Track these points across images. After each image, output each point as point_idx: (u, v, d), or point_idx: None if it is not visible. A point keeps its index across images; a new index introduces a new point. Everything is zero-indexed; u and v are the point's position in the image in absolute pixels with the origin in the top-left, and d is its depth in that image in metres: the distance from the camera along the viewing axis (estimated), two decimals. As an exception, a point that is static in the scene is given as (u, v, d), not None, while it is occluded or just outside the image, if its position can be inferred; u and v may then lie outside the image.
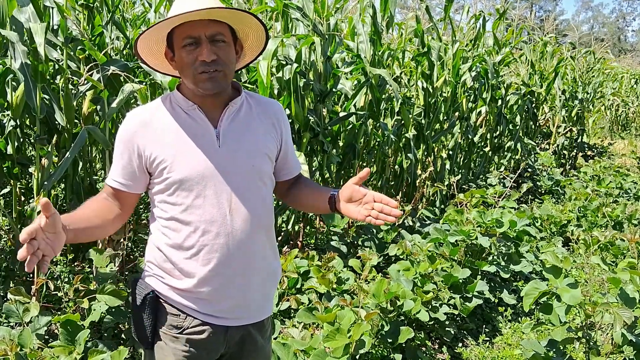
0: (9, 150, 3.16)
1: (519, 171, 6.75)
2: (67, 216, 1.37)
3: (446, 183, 6.02)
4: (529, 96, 7.88)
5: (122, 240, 3.09)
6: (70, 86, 3.14)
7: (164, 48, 1.52)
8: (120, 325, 2.82)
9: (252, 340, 1.61)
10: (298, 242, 4.29)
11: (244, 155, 1.51)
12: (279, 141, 1.61)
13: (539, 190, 7.33)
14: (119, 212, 1.54)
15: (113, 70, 3.12)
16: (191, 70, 1.44)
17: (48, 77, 3.13)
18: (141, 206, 4.07)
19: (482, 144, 7.10)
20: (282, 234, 4.28)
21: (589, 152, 10.97)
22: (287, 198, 1.74)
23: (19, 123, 3.14)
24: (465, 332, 3.47)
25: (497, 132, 7.33)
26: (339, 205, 1.52)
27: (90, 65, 3.10)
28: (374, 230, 4.31)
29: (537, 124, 8.92)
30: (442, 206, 5.61)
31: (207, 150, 1.47)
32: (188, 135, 1.48)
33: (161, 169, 1.47)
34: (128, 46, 3.94)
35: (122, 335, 2.82)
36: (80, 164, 3.45)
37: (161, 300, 1.53)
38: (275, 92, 4.08)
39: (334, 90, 4.38)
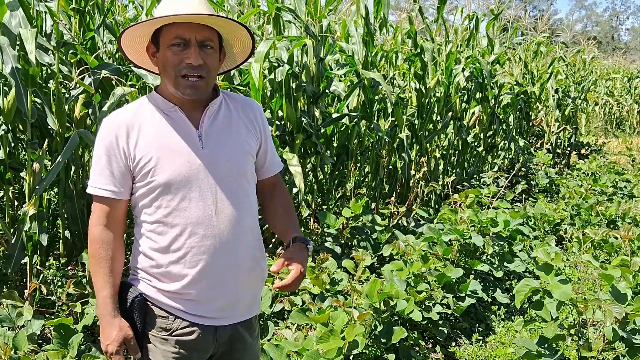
0: (1, 154, 3.16)
1: (514, 171, 6.78)
2: (114, 299, 1.51)
3: (440, 183, 6.04)
4: (522, 96, 7.91)
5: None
6: (62, 90, 3.14)
7: (147, 42, 1.52)
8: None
9: (241, 339, 1.62)
10: (292, 244, 4.28)
11: (227, 155, 1.52)
12: (259, 138, 1.63)
13: (533, 190, 7.35)
14: (120, 234, 1.54)
15: (105, 74, 3.12)
16: (175, 71, 1.44)
17: (40, 81, 3.13)
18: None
19: (476, 143, 7.13)
20: (276, 235, 4.29)
21: (583, 151, 11.02)
22: (263, 209, 1.76)
23: (10, 128, 3.15)
24: (458, 331, 3.49)
25: (491, 132, 7.35)
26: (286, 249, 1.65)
27: (81, 69, 3.10)
28: (368, 231, 4.32)
29: (531, 124, 8.96)
30: (437, 206, 5.63)
31: (191, 151, 1.47)
32: (170, 137, 1.48)
33: (145, 173, 1.46)
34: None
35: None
36: (73, 167, 3.45)
37: (149, 303, 1.53)
38: (268, 94, 4.09)
39: (326, 91, 4.39)
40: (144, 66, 1.62)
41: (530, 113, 8.79)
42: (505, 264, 4.00)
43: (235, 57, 1.64)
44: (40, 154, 2.97)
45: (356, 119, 4.65)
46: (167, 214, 1.47)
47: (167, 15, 1.41)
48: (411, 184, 5.49)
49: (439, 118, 5.85)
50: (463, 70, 6.04)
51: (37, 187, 2.91)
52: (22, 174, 3.07)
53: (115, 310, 1.51)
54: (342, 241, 4.23)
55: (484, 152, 7.27)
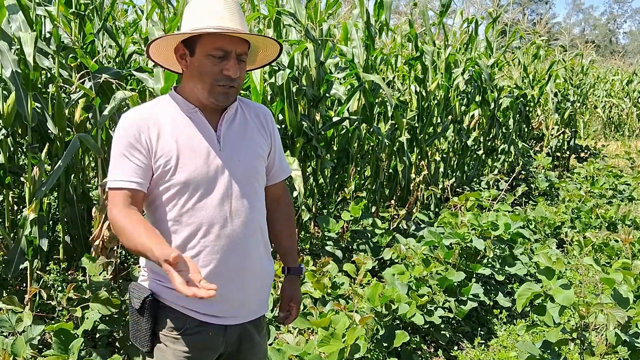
0: (1, 159, 3.15)
1: (514, 174, 6.78)
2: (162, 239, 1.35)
3: (440, 186, 6.04)
4: (521, 99, 7.92)
5: (115, 248, 3.08)
6: (62, 94, 3.14)
7: (177, 43, 1.53)
8: (114, 334, 2.80)
9: (250, 338, 1.63)
10: (293, 248, 4.27)
11: (243, 158, 1.56)
12: (270, 143, 1.67)
13: (533, 193, 7.35)
14: None
15: (105, 78, 3.11)
16: (212, 80, 1.48)
17: (40, 85, 3.12)
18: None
19: (476, 147, 7.13)
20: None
21: (582, 154, 11.02)
22: (267, 222, 1.72)
23: (10, 132, 3.14)
24: (460, 335, 3.48)
25: (491, 135, 7.36)
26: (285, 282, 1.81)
27: (81, 73, 3.09)
28: (369, 235, 4.31)
29: (530, 127, 8.97)
30: (437, 209, 5.62)
31: (210, 152, 1.51)
32: (191, 137, 1.51)
33: (165, 171, 1.48)
34: (120, 54, 3.94)
35: (117, 344, 2.80)
36: (73, 172, 3.44)
37: (160, 303, 1.53)
38: (268, 98, 4.09)
39: (327, 95, 4.39)
40: (160, 62, 1.64)
41: (530, 116, 8.80)
42: (506, 267, 3.99)
43: (254, 63, 1.69)
44: (41, 158, 2.96)
45: (356, 123, 4.64)
46: (184, 212, 1.49)
47: (228, 29, 1.44)
48: (411, 187, 5.49)
49: (439, 121, 5.85)
50: (463, 73, 6.05)
51: (37, 191, 2.90)
52: (22, 179, 3.06)
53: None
54: (343, 245, 4.22)
55: (483, 156, 7.27)
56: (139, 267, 1.61)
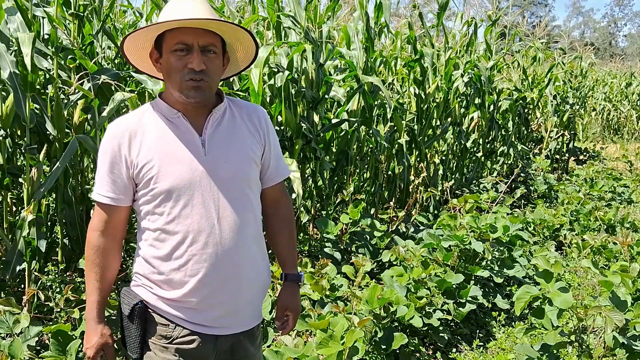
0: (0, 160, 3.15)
1: (513, 176, 6.78)
2: (101, 305, 1.56)
3: (439, 188, 6.04)
4: (520, 101, 7.93)
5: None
6: (61, 95, 3.14)
7: (151, 48, 1.52)
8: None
9: (243, 349, 1.60)
10: (291, 249, 4.26)
11: (230, 162, 1.51)
12: (263, 144, 1.61)
13: (532, 195, 7.35)
14: (118, 240, 1.57)
15: (104, 79, 3.11)
16: (179, 76, 1.44)
17: (38, 86, 3.12)
18: (134, 215, 4.05)
19: (475, 149, 7.13)
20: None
21: (581, 157, 11.03)
22: (266, 226, 1.73)
23: (9, 133, 3.13)
24: (459, 337, 3.47)
25: (490, 138, 7.36)
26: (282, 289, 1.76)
27: (80, 74, 3.09)
28: (367, 237, 4.31)
29: (529, 129, 8.97)
30: (436, 212, 5.62)
31: (193, 158, 1.46)
32: (173, 144, 1.47)
33: (147, 180, 1.46)
34: (119, 55, 3.94)
35: (114, 345, 2.79)
36: (72, 173, 3.43)
37: (150, 310, 1.52)
38: (267, 99, 4.09)
39: (326, 97, 4.39)
40: (148, 72, 1.62)
41: (529, 119, 8.81)
42: (505, 269, 3.98)
43: (239, 62, 1.64)
44: (39, 159, 2.96)
45: (355, 125, 4.64)
46: (169, 221, 1.47)
47: (167, 21, 1.40)
48: (410, 190, 5.49)
49: (438, 123, 5.85)
50: (462, 75, 6.05)
51: (35, 192, 2.90)
52: (21, 180, 3.06)
53: (100, 317, 1.55)
54: (342, 247, 4.21)
55: (483, 158, 7.27)
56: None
